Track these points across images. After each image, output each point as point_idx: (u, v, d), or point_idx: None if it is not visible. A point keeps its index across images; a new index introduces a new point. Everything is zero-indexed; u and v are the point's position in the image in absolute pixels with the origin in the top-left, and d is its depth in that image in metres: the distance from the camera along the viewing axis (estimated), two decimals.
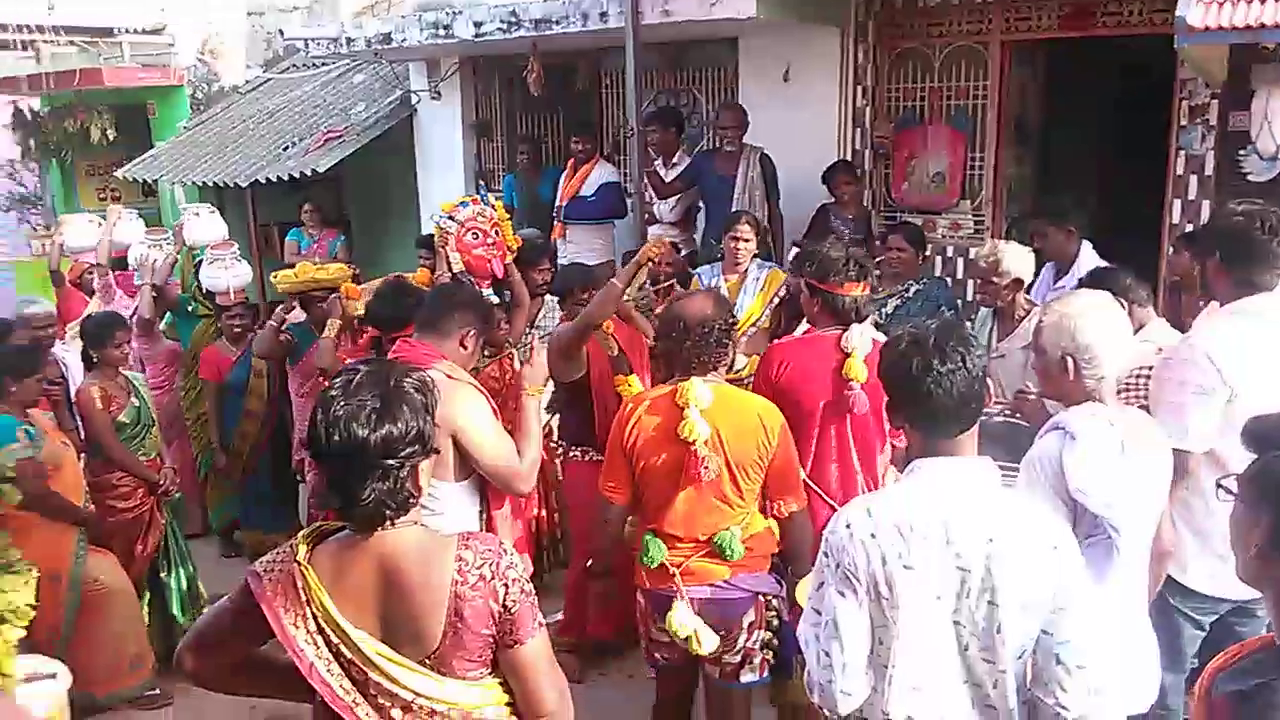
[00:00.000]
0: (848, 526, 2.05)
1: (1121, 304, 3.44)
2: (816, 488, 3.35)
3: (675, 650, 3.09)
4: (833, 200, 6.01)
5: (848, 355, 3.30)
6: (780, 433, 3.02)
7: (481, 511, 3.14)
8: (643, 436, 3.03)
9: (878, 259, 4.71)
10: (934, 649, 2.03)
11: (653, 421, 3.03)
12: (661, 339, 3.16)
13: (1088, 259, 4.54)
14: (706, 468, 2.93)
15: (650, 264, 4.18)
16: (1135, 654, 2.56)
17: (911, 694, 2.05)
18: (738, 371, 4.87)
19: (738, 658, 3.06)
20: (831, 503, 3.30)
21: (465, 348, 3.17)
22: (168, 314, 6.20)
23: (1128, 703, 2.48)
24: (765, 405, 3.09)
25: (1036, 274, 4.67)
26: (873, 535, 2.02)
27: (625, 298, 4.06)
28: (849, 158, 6.38)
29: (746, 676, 3.08)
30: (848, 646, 2.04)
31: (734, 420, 2.99)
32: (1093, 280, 3.64)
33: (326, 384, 2.00)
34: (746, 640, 3.05)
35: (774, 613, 3.12)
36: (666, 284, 4.79)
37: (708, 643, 2.97)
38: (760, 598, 3.06)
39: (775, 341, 3.96)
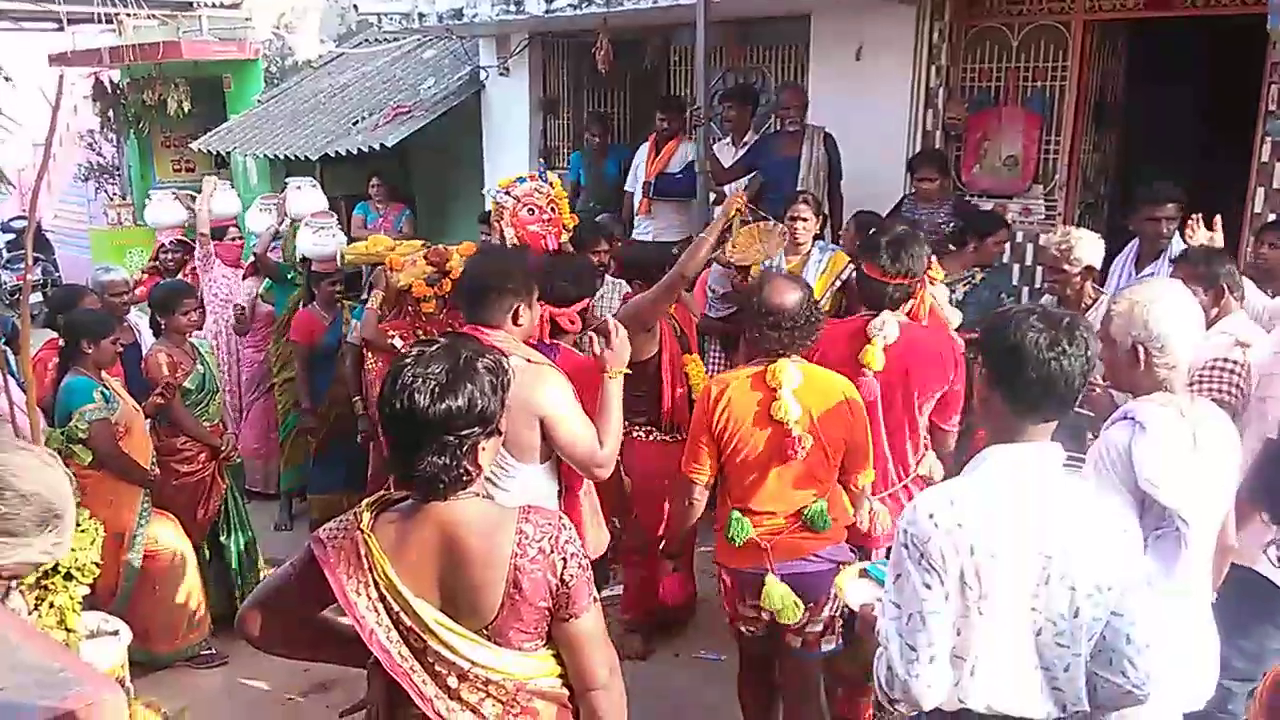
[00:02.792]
0: (930, 516, 2.01)
1: (1224, 288, 3.37)
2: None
3: (760, 624, 3.20)
4: (914, 191, 5.88)
5: (869, 341, 3.28)
6: (860, 409, 3.14)
7: (560, 492, 3.09)
8: (734, 418, 3.09)
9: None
10: (1012, 636, 2.02)
11: (745, 402, 3.09)
12: (752, 326, 3.17)
13: (1177, 245, 4.39)
14: (802, 446, 3.03)
15: (736, 215, 4.17)
16: (1197, 647, 2.53)
17: (990, 682, 2.04)
18: None
19: (819, 627, 3.18)
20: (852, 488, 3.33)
21: (519, 324, 3.01)
22: (267, 281, 6.36)
23: (1188, 696, 2.49)
24: (847, 384, 3.18)
25: (1108, 262, 4.55)
26: (960, 525, 1.99)
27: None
28: (919, 139, 6.26)
29: (827, 645, 3.21)
30: (936, 638, 2.01)
31: (823, 399, 3.08)
32: (1197, 259, 3.51)
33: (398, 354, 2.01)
34: (830, 610, 3.16)
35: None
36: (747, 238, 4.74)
37: (797, 614, 3.08)
38: (841, 568, 3.09)
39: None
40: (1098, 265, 4.10)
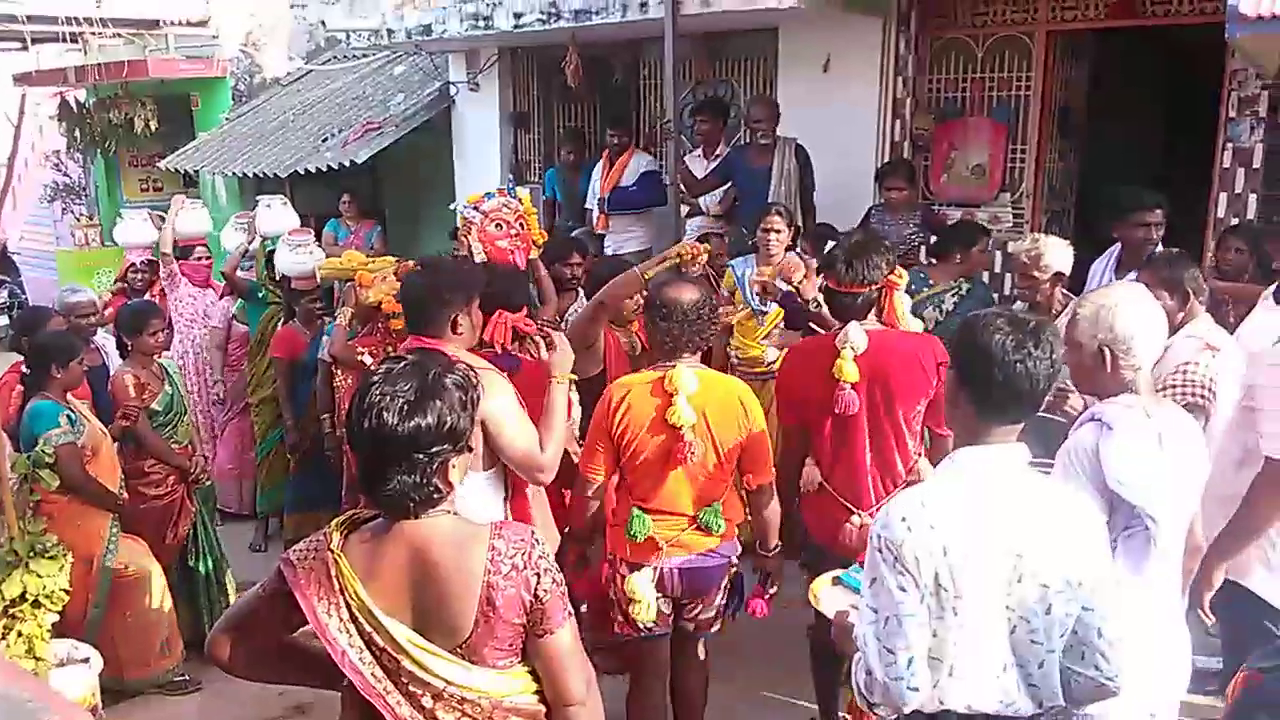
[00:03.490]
0: (903, 520, 2.03)
1: (1188, 293, 3.40)
2: (829, 486, 3.42)
3: (663, 619, 3.33)
4: (882, 201, 5.92)
5: (838, 354, 3.29)
6: (756, 413, 3.26)
7: (506, 499, 3.12)
8: (632, 422, 3.20)
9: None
10: (987, 635, 2.05)
11: (643, 407, 3.19)
12: (650, 323, 3.32)
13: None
14: (693, 452, 3.16)
15: (680, 261, 4.15)
16: (1169, 646, 2.55)
17: (967, 682, 2.06)
18: (770, 364, 4.86)
19: (711, 613, 3.40)
20: (844, 502, 3.38)
21: (459, 331, 3.07)
22: (239, 301, 6.32)
23: (1157, 694, 2.51)
24: (744, 388, 3.33)
25: (1086, 267, 4.61)
26: (932, 526, 2.01)
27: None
28: (887, 149, 6.31)
29: (715, 627, 3.46)
30: (913, 641, 2.02)
31: (718, 404, 3.21)
32: (1161, 264, 3.55)
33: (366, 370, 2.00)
34: (720, 600, 3.40)
35: (734, 570, 3.44)
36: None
37: (651, 613, 3.25)
38: (730, 563, 3.39)
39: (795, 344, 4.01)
40: (1066, 271, 4.15)
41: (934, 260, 5.02)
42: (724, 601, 3.42)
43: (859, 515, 3.35)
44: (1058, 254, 4.07)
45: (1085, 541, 2.09)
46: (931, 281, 4.82)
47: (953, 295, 4.80)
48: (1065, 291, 4.19)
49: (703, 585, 3.33)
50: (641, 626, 3.30)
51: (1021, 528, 2.03)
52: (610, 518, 3.40)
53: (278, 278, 6.02)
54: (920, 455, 3.46)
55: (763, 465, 3.29)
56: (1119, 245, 4.62)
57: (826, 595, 2.72)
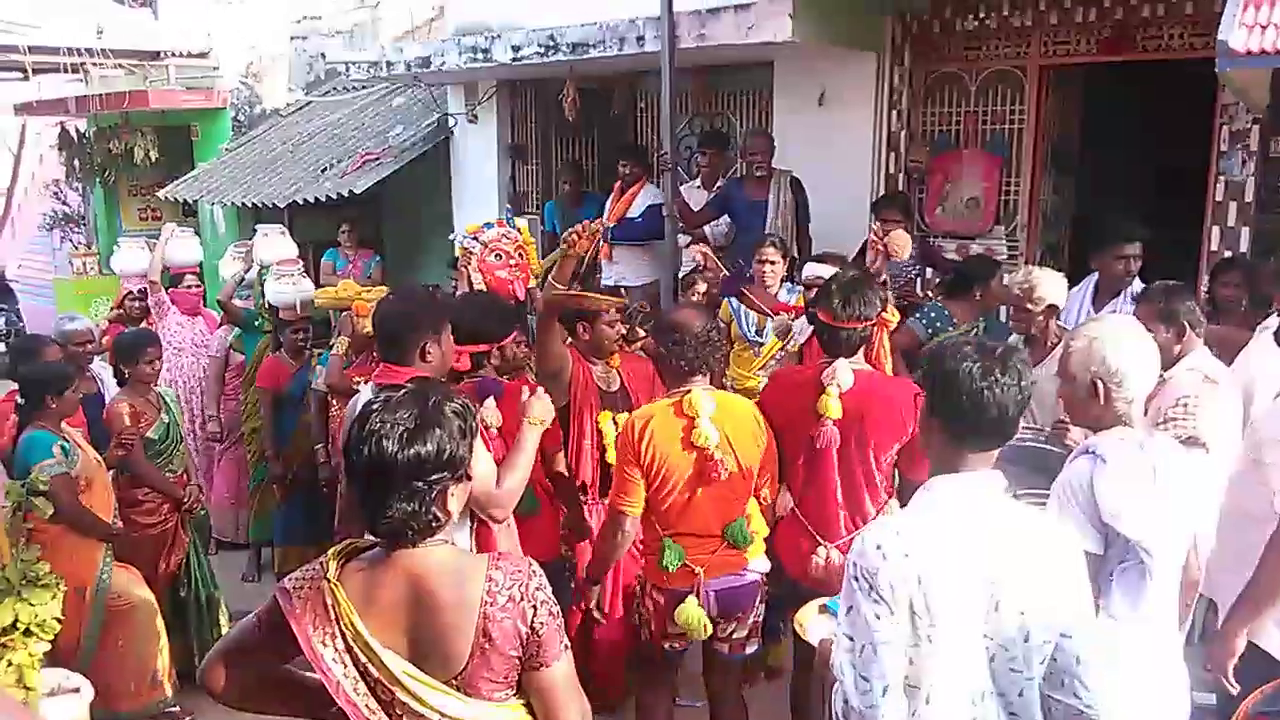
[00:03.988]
0: (879, 548, 2.04)
1: (1184, 325, 3.40)
2: (799, 512, 3.47)
3: (685, 640, 3.40)
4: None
5: (824, 390, 3.31)
6: (769, 428, 3.38)
7: (471, 530, 3.10)
8: (659, 447, 3.22)
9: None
10: (966, 663, 2.05)
11: (668, 431, 3.24)
12: (663, 349, 3.39)
13: (1137, 284, 4.46)
14: (724, 468, 3.21)
15: (570, 248, 3.88)
16: (1167, 681, 2.54)
17: (946, 709, 2.05)
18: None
19: (745, 632, 3.41)
20: (813, 532, 3.42)
21: (428, 359, 3.09)
22: (235, 330, 6.32)
23: None
24: (753, 406, 3.44)
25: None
26: (906, 555, 2.01)
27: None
28: (883, 182, 6.35)
29: (751, 648, 3.47)
30: (888, 668, 2.02)
31: (735, 422, 3.30)
32: (1157, 296, 3.53)
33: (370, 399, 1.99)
34: (754, 617, 3.42)
35: (766, 587, 3.46)
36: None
37: (706, 632, 3.32)
38: (762, 577, 3.42)
39: (777, 371, 4.02)
40: (1061, 304, 4.17)
41: (949, 300, 4.95)
42: (758, 620, 3.45)
43: (825, 547, 3.37)
44: (1051, 286, 4.09)
45: (1063, 569, 2.09)
46: (955, 321, 4.69)
47: (975, 334, 4.71)
48: (1060, 324, 4.21)
49: (738, 605, 3.37)
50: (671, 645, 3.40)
51: (998, 555, 2.04)
52: (639, 546, 3.48)
53: (269, 307, 6.04)
54: (892, 497, 3.47)
55: (773, 480, 3.43)
56: (1096, 275, 4.65)
57: (812, 624, 2.73)
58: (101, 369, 5.35)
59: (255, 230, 6.84)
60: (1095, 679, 2.06)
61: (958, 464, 2.10)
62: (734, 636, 3.41)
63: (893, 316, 3.73)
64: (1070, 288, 4.27)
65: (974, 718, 2.06)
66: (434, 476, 1.88)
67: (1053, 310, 4.10)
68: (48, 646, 3.29)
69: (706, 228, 6.42)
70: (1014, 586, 2.02)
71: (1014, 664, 2.04)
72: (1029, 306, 4.09)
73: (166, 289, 6.66)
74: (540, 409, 3.20)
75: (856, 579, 2.06)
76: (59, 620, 3.26)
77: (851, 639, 2.07)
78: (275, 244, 6.48)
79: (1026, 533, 2.10)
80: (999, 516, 2.09)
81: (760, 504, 3.43)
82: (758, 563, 3.39)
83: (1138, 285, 4.38)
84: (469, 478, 1.98)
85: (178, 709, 4.37)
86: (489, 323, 3.78)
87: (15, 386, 4.38)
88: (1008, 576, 2.02)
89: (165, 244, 6.65)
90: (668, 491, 3.26)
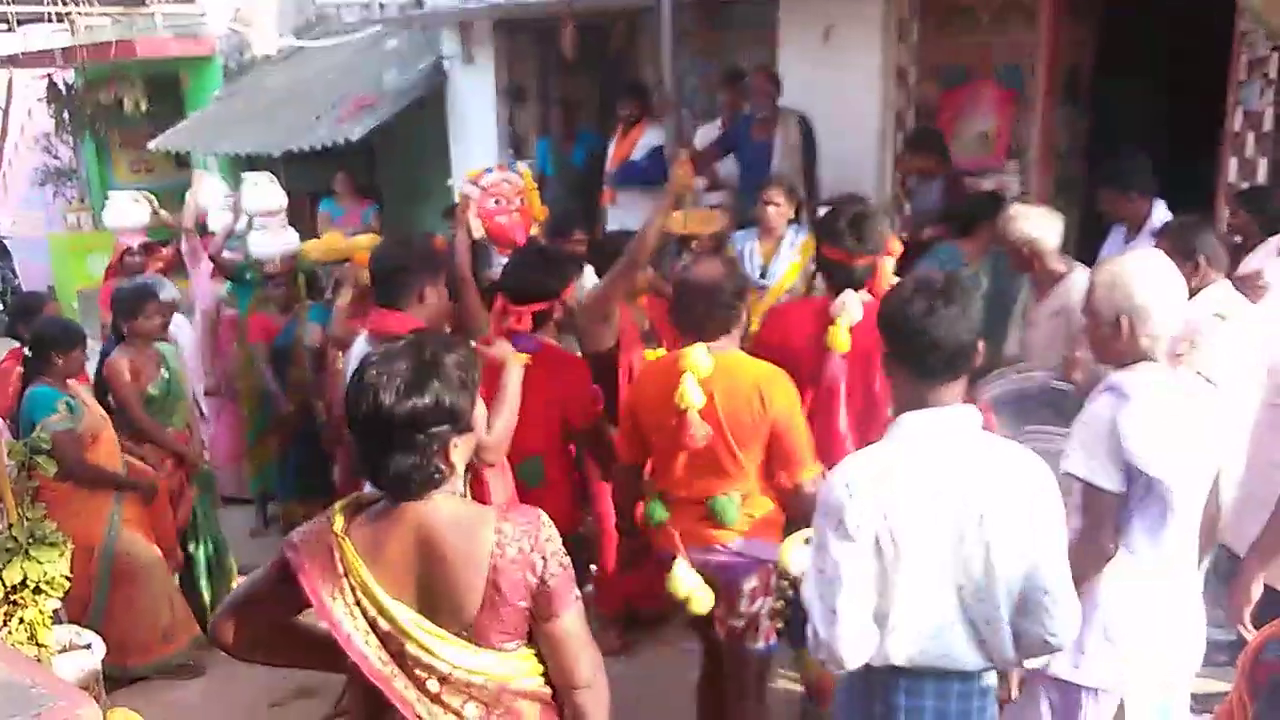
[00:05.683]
0: (846, 486, 2.10)
1: (1200, 260, 3.35)
2: None
3: (677, 608, 3.15)
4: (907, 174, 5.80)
5: (832, 322, 3.22)
6: (779, 403, 2.97)
7: (467, 477, 3.02)
8: (646, 400, 3.12)
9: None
10: (933, 595, 2.10)
11: (655, 386, 3.08)
12: (672, 303, 3.24)
13: (1160, 218, 4.37)
14: (694, 434, 2.93)
15: (681, 190, 4.02)
16: (1185, 617, 2.55)
17: (912, 638, 2.12)
18: None
19: (741, 622, 3.08)
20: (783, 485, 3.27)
21: (424, 302, 3.12)
22: (228, 282, 6.17)
23: (1178, 664, 2.54)
24: (768, 375, 3.02)
25: (1103, 236, 4.55)
26: (873, 490, 2.07)
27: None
28: (893, 118, 6.21)
29: (753, 643, 3.11)
30: (855, 599, 2.09)
31: (730, 388, 2.96)
32: (1174, 232, 3.50)
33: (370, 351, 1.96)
34: (749, 606, 3.06)
35: (787, 583, 3.00)
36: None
37: (704, 603, 3.00)
38: (770, 566, 3.03)
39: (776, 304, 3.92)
40: (1051, 241, 4.03)
41: (960, 238, 4.86)
42: (757, 611, 3.08)
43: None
44: (1033, 224, 3.99)
45: (1032, 502, 2.11)
46: (967, 260, 4.61)
47: (985, 272, 4.66)
48: (1068, 259, 4.11)
49: (722, 583, 3.04)
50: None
51: (966, 489, 2.07)
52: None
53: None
54: None
55: (793, 462, 3.00)
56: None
57: (795, 554, 2.73)
58: (176, 329, 5.25)
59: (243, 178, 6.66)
60: (1061, 609, 2.10)
61: (923, 399, 2.13)
62: (729, 622, 3.09)
63: (895, 247, 3.68)
64: (1091, 223, 4.17)
65: (940, 645, 2.11)
66: (434, 429, 1.86)
67: (1039, 248, 3.99)
68: (58, 604, 3.29)
69: (720, 168, 6.29)
70: (982, 519, 2.06)
71: (981, 594, 2.09)
72: (1015, 245, 4.00)
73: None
74: (497, 350, 3.19)
75: (824, 515, 2.12)
76: (68, 578, 3.26)
77: (821, 572, 2.13)
78: (264, 193, 6.17)
79: (997, 465, 2.12)
80: (970, 450, 2.12)
81: (778, 487, 3.06)
82: (754, 546, 3.03)
83: (1157, 222, 4.29)
84: (472, 429, 1.96)
85: (190, 663, 4.39)
86: (547, 277, 3.64)
87: (17, 345, 4.34)
88: (975, 509, 2.06)
89: (199, 188, 6.42)
90: (656, 446, 3.12)
